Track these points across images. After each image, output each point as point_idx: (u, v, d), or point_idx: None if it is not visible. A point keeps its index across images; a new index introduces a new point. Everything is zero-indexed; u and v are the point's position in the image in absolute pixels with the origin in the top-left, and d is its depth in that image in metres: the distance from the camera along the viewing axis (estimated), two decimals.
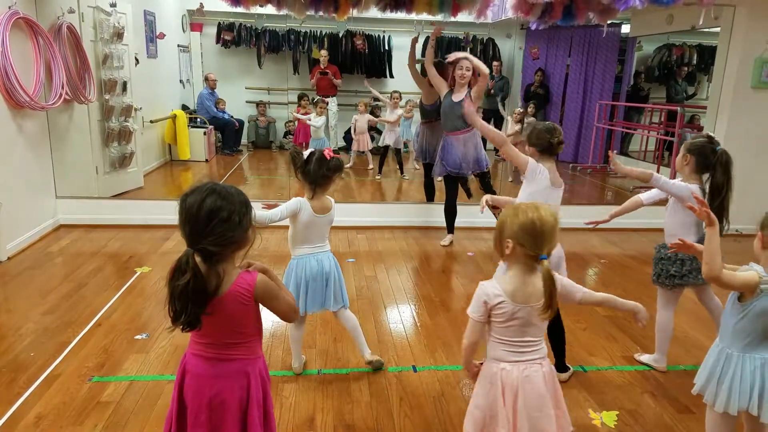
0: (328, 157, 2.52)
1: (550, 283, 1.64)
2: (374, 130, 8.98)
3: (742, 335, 1.83)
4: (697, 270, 2.62)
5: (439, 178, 5.13)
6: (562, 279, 1.82)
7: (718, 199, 2.54)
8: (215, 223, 1.47)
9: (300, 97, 8.47)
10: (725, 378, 1.85)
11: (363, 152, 8.16)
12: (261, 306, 1.62)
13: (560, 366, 2.78)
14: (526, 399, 1.72)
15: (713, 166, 2.55)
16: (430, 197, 5.65)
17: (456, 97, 4.53)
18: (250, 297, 1.56)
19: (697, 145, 2.57)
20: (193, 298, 1.47)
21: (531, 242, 1.66)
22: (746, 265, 1.82)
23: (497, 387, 1.74)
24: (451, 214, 4.99)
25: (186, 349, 1.67)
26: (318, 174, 2.52)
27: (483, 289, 1.74)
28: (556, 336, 2.75)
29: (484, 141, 4.76)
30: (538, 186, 2.56)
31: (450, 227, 5.03)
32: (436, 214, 5.49)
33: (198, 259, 1.48)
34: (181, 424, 1.65)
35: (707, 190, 2.60)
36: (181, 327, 1.51)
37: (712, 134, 2.59)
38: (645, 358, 3.00)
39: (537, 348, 1.76)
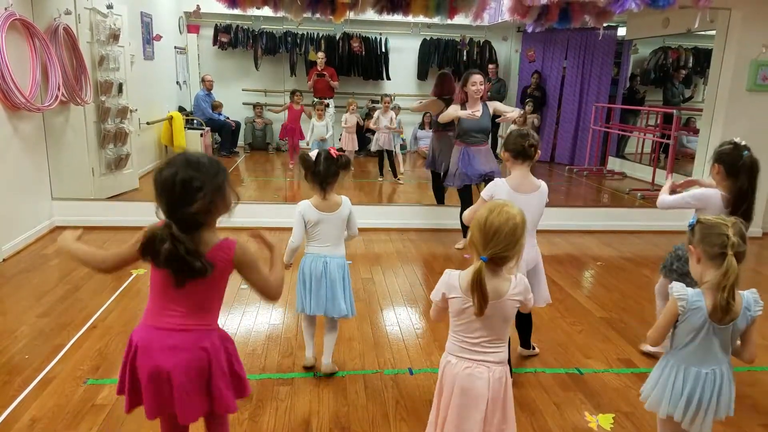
0: (335, 156, 2.57)
1: (475, 283, 1.61)
2: (370, 132, 8.97)
3: (677, 347, 1.86)
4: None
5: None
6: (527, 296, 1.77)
7: (744, 204, 2.54)
8: (189, 193, 1.51)
9: (293, 93, 8.39)
10: (660, 382, 1.89)
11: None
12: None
13: (524, 342, 3.00)
14: (461, 397, 1.71)
15: (738, 171, 2.55)
16: (440, 200, 5.69)
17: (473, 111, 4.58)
18: (229, 260, 1.60)
19: (723, 153, 2.57)
20: (176, 262, 1.51)
21: (480, 240, 1.64)
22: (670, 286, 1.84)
23: (439, 379, 1.78)
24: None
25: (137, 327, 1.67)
26: (329, 173, 2.55)
27: (445, 279, 1.76)
28: (524, 322, 2.93)
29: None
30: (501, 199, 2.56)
31: (465, 233, 5.06)
32: (432, 217, 5.50)
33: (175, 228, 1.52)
34: (135, 397, 1.68)
35: (733, 196, 2.58)
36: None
37: (737, 140, 2.58)
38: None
39: (490, 351, 1.73)
